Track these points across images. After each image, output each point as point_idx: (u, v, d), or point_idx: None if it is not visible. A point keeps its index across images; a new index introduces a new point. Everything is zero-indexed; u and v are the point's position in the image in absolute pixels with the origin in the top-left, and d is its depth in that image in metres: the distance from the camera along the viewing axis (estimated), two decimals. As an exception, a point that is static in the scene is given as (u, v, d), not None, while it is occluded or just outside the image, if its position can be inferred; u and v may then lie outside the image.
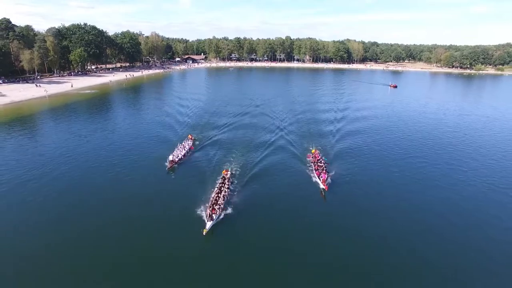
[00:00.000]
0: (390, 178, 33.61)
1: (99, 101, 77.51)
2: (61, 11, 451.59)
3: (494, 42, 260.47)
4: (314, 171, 32.82)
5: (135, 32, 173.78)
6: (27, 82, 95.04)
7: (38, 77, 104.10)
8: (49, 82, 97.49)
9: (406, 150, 42.75)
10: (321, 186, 29.79)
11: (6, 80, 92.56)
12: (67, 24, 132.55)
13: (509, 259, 21.35)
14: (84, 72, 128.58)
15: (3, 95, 72.40)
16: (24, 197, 27.69)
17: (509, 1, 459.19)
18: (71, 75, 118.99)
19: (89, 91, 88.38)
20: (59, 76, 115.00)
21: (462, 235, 23.94)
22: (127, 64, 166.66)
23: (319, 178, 30.79)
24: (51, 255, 20.58)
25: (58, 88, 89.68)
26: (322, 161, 34.31)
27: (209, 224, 23.11)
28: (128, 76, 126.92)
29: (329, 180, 30.76)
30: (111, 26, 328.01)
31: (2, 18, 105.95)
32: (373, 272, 19.72)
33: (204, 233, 22.45)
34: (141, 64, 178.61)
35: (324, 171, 31.73)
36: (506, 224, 25.43)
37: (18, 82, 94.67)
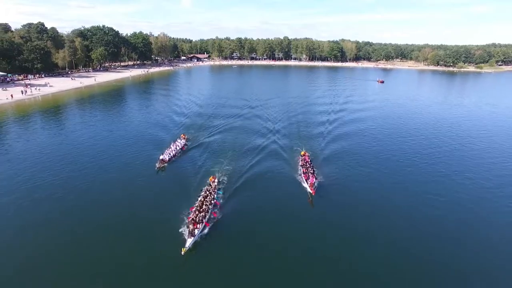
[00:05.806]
0: (377, 179, 33.19)
1: (123, 91, 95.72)
2: (61, 11, 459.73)
3: (494, 41, 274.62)
4: (302, 174, 32.21)
5: (145, 33, 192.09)
6: (62, 76, 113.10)
7: (69, 72, 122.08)
8: (80, 76, 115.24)
9: (394, 149, 43.00)
10: (309, 190, 29.25)
11: (46, 75, 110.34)
12: (65, 26, 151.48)
13: (508, 259, 21.72)
14: (105, 69, 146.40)
15: (51, 86, 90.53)
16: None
17: (509, 1, 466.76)
18: (95, 70, 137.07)
19: (115, 83, 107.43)
20: (85, 71, 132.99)
21: (455, 240, 23.29)
22: (139, 62, 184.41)
23: (306, 182, 30.19)
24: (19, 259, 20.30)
25: (89, 81, 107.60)
26: (311, 164, 33.75)
27: (189, 242, 20.88)
28: (144, 72, 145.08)
29: (316, 184, 30.04)
30: (112, 26, 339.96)
31: (37, 22, 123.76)
32: (362, 279, 19.43)
33: (182, 253, 19.95)
34: (151, 62, 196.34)
35: (312, 174, 31.09)
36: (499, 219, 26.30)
37: (55, 76, 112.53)
